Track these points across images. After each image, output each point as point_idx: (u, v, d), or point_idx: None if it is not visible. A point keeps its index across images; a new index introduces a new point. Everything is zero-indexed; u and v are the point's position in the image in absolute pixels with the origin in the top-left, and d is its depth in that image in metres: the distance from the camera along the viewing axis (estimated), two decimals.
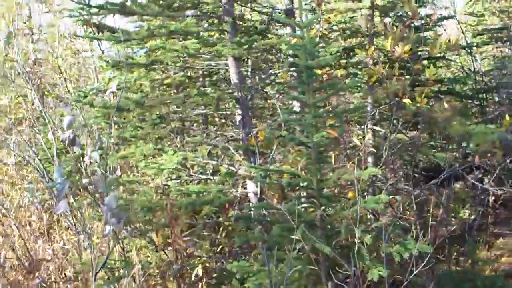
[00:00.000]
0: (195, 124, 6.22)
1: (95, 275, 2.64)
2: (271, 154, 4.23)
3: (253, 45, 4.65)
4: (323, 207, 3.49)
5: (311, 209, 3.75)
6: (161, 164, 4.22)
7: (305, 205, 3.69)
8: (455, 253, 5.15)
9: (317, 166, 3.55)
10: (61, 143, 2.65)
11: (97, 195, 4.30)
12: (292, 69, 4.69)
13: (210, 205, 4.26)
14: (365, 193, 4.61)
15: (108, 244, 2.61)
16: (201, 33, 4.93)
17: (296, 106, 5.33)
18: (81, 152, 5.68)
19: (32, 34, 8.23)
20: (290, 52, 4.97)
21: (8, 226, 5.44)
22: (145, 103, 4.39)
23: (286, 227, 3.39)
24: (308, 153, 3.59)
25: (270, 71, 5.72)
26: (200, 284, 4.66)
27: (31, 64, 6.13)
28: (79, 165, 5.30)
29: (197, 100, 4.41)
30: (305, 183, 3.58)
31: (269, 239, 3.65)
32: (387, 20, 5.15)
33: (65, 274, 4.93)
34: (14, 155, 6.41)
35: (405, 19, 4.87)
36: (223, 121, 6.30)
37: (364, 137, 4.42)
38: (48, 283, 4.78)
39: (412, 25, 4.46)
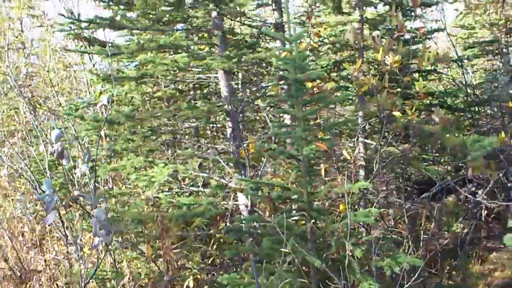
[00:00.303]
0: (186, 137, 6.23)
1: (85, 286, 2.63)
2: (262, 167, 4.24)
3: (243, 59, 4.68)
4: (313, 220, 3.49)
5: (302, 222, 3.76)
6: (152, 176, 4.22)
7: (295, 218, 3.69)
8: (448, 267, 5.15)
9: (307, 179, 3.56)
10: (51, 155, 2.66)
11: (88, 207, 4.30)
12: (281, 82, 4.71)
13: (201, 218, 4.26)
14: (356, 206, 4.62)
15: (98, 255, 2.61)
16: (191, 47, 4.97)
17: (287, 119, 5.36)
18: (72, 164, 5.70)
19: (24, 48, 8.25)
20: (280, 65, 5.01)
21: (1, 236, 5.42)
22: (135, 116, 4.40)
23: (277, 240, 3.39)
24: (298, 166, 3.61)
25: (261, 84, 5.76)
26: None
27: (23, 77, 6.13)
28: (71, 177, 5.30)
29: (187, 113, 4.42)
30: (296, 196, 3.59)
31: (260, 252, 3.64)
32: (376, 33, 5.20)
33: (57, 284, 4.91)
34: (7, 167, 6.39)
35: (394, 32, 4.92)
36: (214, 133, 6.32)
37: (354, 150, 4.43)
38: None
39: (401, 38, 4.50)
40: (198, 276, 4.80)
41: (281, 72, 5.08)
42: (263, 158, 4.37)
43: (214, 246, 4.99)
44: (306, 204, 3.56)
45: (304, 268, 3.42)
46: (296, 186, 3.70)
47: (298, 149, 3.60)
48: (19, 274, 5.12)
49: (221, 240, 5.11)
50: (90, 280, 4.24)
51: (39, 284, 4.97)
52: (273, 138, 4.65)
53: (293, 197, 3.63)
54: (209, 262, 5.06)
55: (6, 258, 5.18)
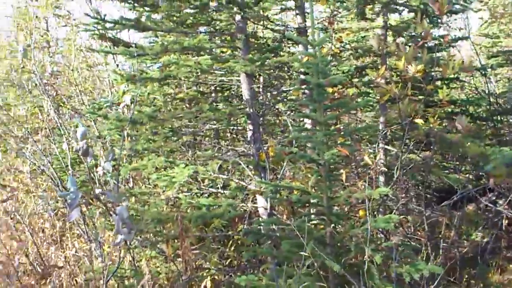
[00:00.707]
0: (206, 139, 6.28)
1: (106, 282, 2.67)
2: (282, 170, 4.25)
3: (266, 62, 4.71)
4: (333, 225, 3.49)
5: (321, 226, 3.76)
6: (173, 176, 4.26)
7: (314, 222, 3.70)
8: (467, 276, 5.09)
9: (327, 184, 3.57)
10: (75, 153, 2.71)
11: (109, 205, 4.36)
12: (303, 86, 4.73)
13: (220, 219, 4.28)
14: (375, 212, 4.61)
15: (119, 253, 2.65)
16: (214, 50, 5.02)
17: (308, 123, 5.37)
18: (94, 162, 5.79)
19: (49, 47, 8.40)
20: (302, 70, 5.03)
21: (22, 232, 5.52)
22: (157, 117, 4.45)
23: (296, 243, 3.40)
24: (318, 171, 3.61)
25: (282, 88, 5.78)
26: None
27: (48, 76, 6.25)
28: (92, 175, 5.38)
29: (209, 115, 4.46)
30: (315, 200, 3.60)
31: (278, 255, 3.66)
32: (400, 40, 5.18)
33: (76, 281, 4.97)
34: (29, 164, 6.50)
35: (418, 40, 4.90)
36: (234, 136, 6.36)
37: (375, 156, 4.43)
38: None
39: (425, 45, 4.48)
40: (216, 277, 4.83)
41: (302, 76, 5.11)
42: (283, 162, 4.39)
43: (232, 248, 5.01)
44: (325, 208, 3.57)
45: (322, 272, 3.41)
46: (316, 191, 3.71)
47: (319, 153, 3.61)
48: (39, 269, 5.19)
49: (239, 242, 5.13)
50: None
51: (59, 280, 5.04)
52: (293, 141, 4.66)
53: (312, 201, 3.63)
54: (227, 263, 5.08)
55: (27, 253, 5.26)
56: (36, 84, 6.44)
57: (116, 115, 4.48)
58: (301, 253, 3.21)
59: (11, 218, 5.62)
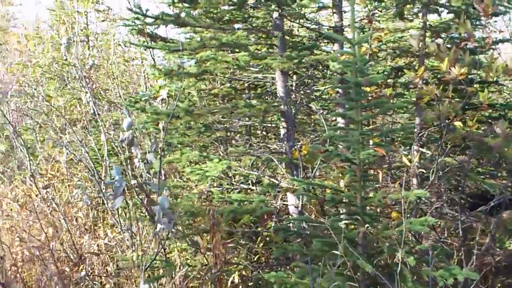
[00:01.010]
0: (238, 135, 6.32)
1: (144, 271, 2.73)
2: (315, 168, 4.24)
3: (303, 60, 4.71)
4: (366, 225, 3.47)
5: (352, 226, 3.75)
6: (206, 171, 4.31)
7: (345, 221, 3.68)
8: (499, 285, 4.98)
9: (361, 184, 3.55)
10: (120, 143, 2.78)
11: (143, 196, 4.45)
12: (339, 85, 4.71)
13: (251, 215, 4.31)
14: (408, 215, 4.56)
15: (158, 242, 2.70)
16: (250, 46, 5.04)
17: (340, 123, 5.34)
18: (128, 154, 5.91)
19: (88, 41, 8.58)
20: (339, 68, 5.01)
21: (57, 220, 5.67)
22: (193, 112, 4.51)
23: (327, 242, 3.39)
24: (352, 170, 3.60)
25: (313, 87, 5.77)
26: None
27: (87, 69, 6.40)
28: (127, 167, 5.49)
29: (244, 111, 4.49)
30: (348, 200, 3.58)
31: (309, 253, 3.65)
32: (439, 41, 5.10)
33: (107, 269, 5.09)
34: (66, 154, 6.67)
35: (457, 41, 4.82)
36: (265, 133, 6.38)
37: (410, 159, 4.37)
38: (92, 276, 4.95)
39: (466, 47, 4.41)
40: (244, 272, 4.86)
41: (338, 75, 5.08)
42: (315, 160, 4.38)
43: (261, 244, 5.04)
44: (359, 208, 3.55)
45: (353, 272, 3.40)
46: (349, 190, 3.69)
47: (354, 152, 3.59)
48: (72, 256, 5.33)
49: (267, 238, 5.15)
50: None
51: (91, 268, 5.16)
52: (327, 140, 4.65)
53: (345, 200, 3.62)
54: (255, 259, 5.11)
55: (62, 241, 5.41)
56: (75, 77, 6.61)
57: (153, 108, 4.55)
58: (334, 252, 3.20)
59: (48, 206, 5.79)
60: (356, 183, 3.59)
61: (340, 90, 4.97)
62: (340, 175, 3.91)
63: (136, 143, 2.81)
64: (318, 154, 4.10)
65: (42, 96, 6.76)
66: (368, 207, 3.65)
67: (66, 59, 6.34)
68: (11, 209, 6.00)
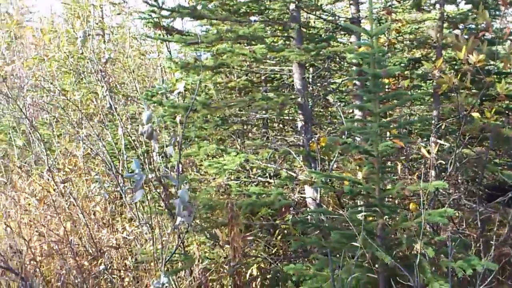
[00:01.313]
0: (255, 128, 6.33)
1: (164, 264, 2.76)
2: (333, 160, 4.24)
3: (321, 52, 4.70)
4: (385, 217, 3.47)
5: (370, 218, 3.75)
6: (224, 164, 4.33)
7: (364, 213, 3.68)
8: None
9: (379, 176, 3.55)
10: (139, 136, 2.80)
11: (162, 190, 4.48)
12: (357, 77, 4.69)
13: (269, 208, 4.32)
14: (426, 207, 4.55)
15: (177, 236, 2.72)
16: (267, 39, 5.03)
17: (358, 115, 5.33)
18: (145, 148, 5.95)
19: (103, 34, 8.62)
20: (355, 60, 4.99)
21: (75, 214, 5.73)
22: (211, 105, 4.52)
23: (346, 234, 3.40)
24: (371, 162, 3.59)
25: (329, 79, 5.75)
26: (254, 283, 4.75)
27: (103, 63, 6.44)
28: (145, 161, 5.53)
29: (261, 103, 4.50)
30: (367, 192, 3.58)
31: (327, 245, 3.66)
32: (457, 31, 5.05)
33: (125, 263, 5.14)
34: (83, 148, 6.73)
35: (475, 32, 4.77)
36: (281, 126, 6.38)
37: (428, 150, 4.35)
38: (110, 270, 5.00)
39: (484, 37, 4.36)
40: (262, 265, 4.88)
41: (355, 67, 5.06)
42: (333, 152, 4.38)
43: (279, 237, 5.05)
44: (377, 200, 3.55)
45: (371, 264, 3.41)
46: (367, 182, 3.69)
47: (372, 144, 3.58)
48: (91, 251, 5.39)
49: (285, 231, 5.16)
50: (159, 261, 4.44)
51: (110, 261, 5.22)
52: (345, 132, 4.64)
53: (363, 192, 3.62)
54: (273, 252, 5.13)
55: (80, 236, 5.47)
56: (91, 71, 6.66)
57: (171, 102, 4.58)
58: (353, 243, 3.21)
59: (66, 201, 5.85)
60: (374, 175, 3.59)
61: (357, 82, 4.95)
62: (358, 167, 3.91)
63: (156, 136, 2.84)
64: (336, 146, 4.10)
65: (58, 90, 6.82)
66: (386, 199, 3.64)
67: (82, 53, 6.38)
68: (29, 204, 6.08)
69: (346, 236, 3.40)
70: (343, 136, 4.66)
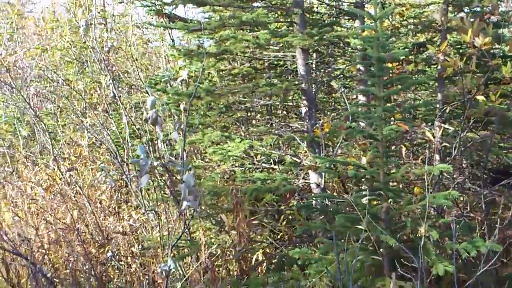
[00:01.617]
0: (259, 115, 6.32)
1: (171, 249, 2.79)
2: (337, 146, 4.25)
3: (324, 37, 4.68)
4: (390, 200, 3.48)
5: (375, 202, 3.76)
6: (228, 150, 4.34)
7: (368, 197, 3.69)
8: None
9: (384, 160, 3.56)
10: (144, 122, 2.82)
11: (167, 177, 4.51)
12: (361, 62, 4.67)
13: (274, 193, 4.34)
14: (431, 190, 4.56)
15: (183, 221, 2.75)
16: (270, 25, 5.01)
17: (362, 100, 5.31)
18: (149, 137, 5.97)
19: (106, 23, 8.59)
20: (359, 46, 4.96)
21: (82, 203, 5.77)
22: (215, 92, 4.52)
23: (350, 218, 3.42)
24: (375, 146, 3.60)
25: (334, 65, 5.73)
26: (260, 268, 4.79)
27: (106, 52, 6.44)
28: (150, 149, 5.55)
29: (265, 90, 4.49)
30: (371, 176, 3.59)
31: (332, 229, 3.68)
32: (462, 15, 5.02)
33: (132, 250, 5.18)
34: (88, 137, 6.76)
35: (482, 15, 4.73)
36: (285, 112, 6.37)
37: (433, 134, 4.35)
38: (118, 257, 5.05)
39: (490, 20, 4.33)
40: (267, 250, 4.91)
41: (358, 52, 5.04)
42: (337, 138, 4.38)
43: (284, 222, 5.08)
44: (382, 184, 3.56)
45: (376, 247, 3.43)
46: (371, 166, 3.70)
47: (376, 129, 3.59)
48: (98, 238, 5.43)
49: (290, 217, 5.19)
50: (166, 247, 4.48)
51: (117, 248, 5.26)
52: (349, 117, 4.64)
53: (368, 176, 3.63)
54: (278, 237, 5.16)
55: (87, 223, 5.51)
56: (94, 60, 6.66)
57: (174, 89, 4.58)
58: (357, 227, 3.23)
59: (72, 189, 5.89)
60: (379, 159, 3.60)
61: (361, 67, 4.93)
62: (362, 152, 3.92)
63: (160, 121, 2.85)
64: (340, 131, 4.10)
65: (62, 80, 6.83)
66: (390, 183, 3.65)
67: (84, 42, 6.38)
68: (36, 193, 6.13)
69: (351, 220, 3.42)
70: (348, 121, 4.66)
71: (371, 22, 3.82)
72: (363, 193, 3.72)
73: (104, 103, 6.38)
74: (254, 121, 6.34)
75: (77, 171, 6.23)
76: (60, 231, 5.29)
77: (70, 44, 7.05)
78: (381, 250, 3.43)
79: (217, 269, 4.45)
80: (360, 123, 4.19)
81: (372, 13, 3.71)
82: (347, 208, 3.89)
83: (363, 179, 3.74)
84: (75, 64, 7.43)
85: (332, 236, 3.66)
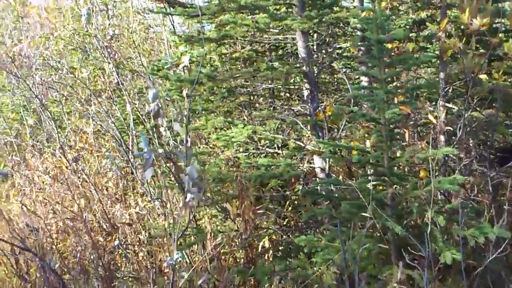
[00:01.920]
0: (261, 99, 6.27)
1: (177, 240, 2.80)
2: (340, 129, 4.21)
3: (324, 19, 4.61)
4: (395, 186, 3.46)
5: (380, 187, 3.73)
6: (232, 136, 4.32)
7: (373, 183, 3.67)
8: None
9: (388, 144, 3.52)
10: (147, 115, 2.80)
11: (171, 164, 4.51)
12: (361, 44, 4.60)
13: (278, 179, 4.33)
14: (437, 173, 4.52)
15: (189, 211, 2.75)
16: (269, 8, 4.94)
17: (364, 81, 5.25)
18: (154, 123, 5.96)
19: (107, 10, 8.52)
20: (360, 25, 4.88)
21: (88, 191, 5.80)
22: (216, 77, 4.49)
23: (356, 204, 3.40)
24: (378, 130, 3.56)
25: (335, 45, 5.65)
26: (266, 255, 4.80)
27: (108, 39, 6.41)
28: (154, 135, 5.55)
29: (266, 74, 4.45)
30: (375, 160, 3.56)
31: (337, 215, 3.67)
32: None
33: (139, 238, 5.22)
34: (93, 125, 6.77)
35: None
36: (288, 95, 6.32)
37: (436, 115, 4.29)
38: (125, 245, 5.10)
39: None
40: (273, 237, 4.91)
41: (358, 33, 4.96)
42: (340, 121, 4.34)
43: (289, 208, 5.07)
44: (386, 169, 3.53)
45: (382, 234, 3.41)
46: (375, 151, 3.66)
47: (379, 112, 3.54)
48: (105, 226, 5.47)
49: (295, 202, 5.18)
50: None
51: (124, 237, 5.30)
52: (352, 100, 4.59)
53: (372, 161, 3.60)
54: (284, 223, 5.16)
55: (94, 212, 5.55)
56: (96, 47, 6.63)
57: (177, 76, 4.55)
58: (363, 214, 3.21)
59: (78, 178, 5.92)
60: (383, 143, 3.56)
61: (362, 48, 4.86)
62: (366, 135, 3.88)
63: (162, 114, 2.83)
64: (343, 115, 4.06)
65: (66, 68, 6.83)
66: (395, 167, 3.62)
67: (87, 30, 6.35)
68: (43, 182, 6.17)
69: (356, 206, 3.40)
70: (350, 104, 4.61)
71: (369, 2, 3.74)
72: (369, 178, 3.69)
73: (108, 90, 6.37)
74: (257, 105, 6.30)
75: (83, 158, 6.26)
76: (67, 220, 5.33)
77: (73, 33, 7.02)
78: (387, 237, 3.42)
79: (223, 257, 4.47)
80: (364, 105, 4.14)
81: None
82: (353, 194, 3.88)
83: (367, 164, 3.71)
84: (78, 52, 7.41)
85: (336, 223, 3.65)
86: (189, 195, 2.55)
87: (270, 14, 4.43)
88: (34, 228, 4.93)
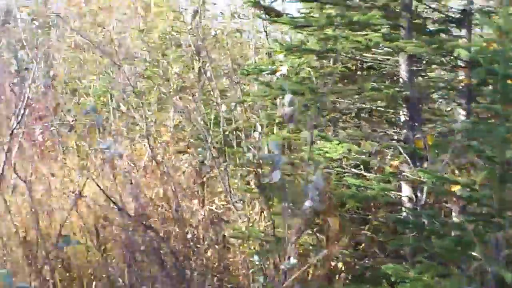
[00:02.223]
0: (348, 117, 6.14)
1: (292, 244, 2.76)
2: (444, 162, 4.02)
3: (434, 46, 4.46)
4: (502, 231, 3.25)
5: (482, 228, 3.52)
6: (326, 152, 4.24)
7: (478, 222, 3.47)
8: None
9: (501, 185, 3.32)
10: (279, 117, 2.78)
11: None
12: (476, 75, 4.40)
13: (371, 203, 4.20)
14: None
15: (305, 219, 2.70)
16: (380, 27, 4.84)
17: (461, 114, 5.04)
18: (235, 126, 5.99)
19: (203, 11, 8.68)
20: (465, 56, 4.66)
21: (168, 183, 5.84)
22: (318, 90, 4.43)
23: (463, 242, 3.22)
24: (492, 168, 3.37)
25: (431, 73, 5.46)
26: (338, 276, 4.68)
27: (202, 39, 6.52)
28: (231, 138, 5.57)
29: (371, 94, 4.34)
30: (484, 199, 3.37)
31: (430, 249, 3.50)
32: None
33: (212, 237, 5.23)
34: (173, 119, 6.88)
35: None
36: (379, 118, 6.15)
37: None
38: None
39: None
40: (348, 259, 4.78)
41: (460, 63, 4.74)
42: (443, 152, 4.15)
43: (369, 233, 4.92)
44: (496, 211, 3.33)
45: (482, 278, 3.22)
46: (483, 189, 3.47)
47: (494, 149, 3.36)
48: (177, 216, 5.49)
49: (375, 227, 5.02)
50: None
51: (197, 231, 5.32)
52: (455, 132, 4.39)
53: (481, 200, 3.41)
54: (360, 247, 5.01)
55: (170, 206, 5.58)
56: (190, 45, 6.75)
57: (279, 83, 4.53)
58: (473, 253, 3.03)
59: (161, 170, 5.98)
60: (494, 183, 3.36)
61: (474, 80, 4.66)
62: (473, 171, 3.69)
63: (296, 119, 2.81)
64: (447, 146, 3.89)
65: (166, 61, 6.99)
66: (507, 211, 3.40)
67: (190, 28, 6.50)
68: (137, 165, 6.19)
69: (462, 244, 3.22)
70: (453, 135, 4.41)
71: (495, 33, 3.56)
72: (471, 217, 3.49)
73: (196, 88, 6.46)
74: (341, 124, 6.18)
75: (164, 150, 6.34)
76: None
77: (172, 28, 7.21)
78: (489, 282, 3.21)
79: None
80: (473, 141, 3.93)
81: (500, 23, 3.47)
82: (445, 229, 3.69)
83: (473, 202, 3.52)
84: (174, 48, 7.59)
85: (429, 256, 3.49)
86: (307, 203, 2.50)
87: (383, 34, 4.34)
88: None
